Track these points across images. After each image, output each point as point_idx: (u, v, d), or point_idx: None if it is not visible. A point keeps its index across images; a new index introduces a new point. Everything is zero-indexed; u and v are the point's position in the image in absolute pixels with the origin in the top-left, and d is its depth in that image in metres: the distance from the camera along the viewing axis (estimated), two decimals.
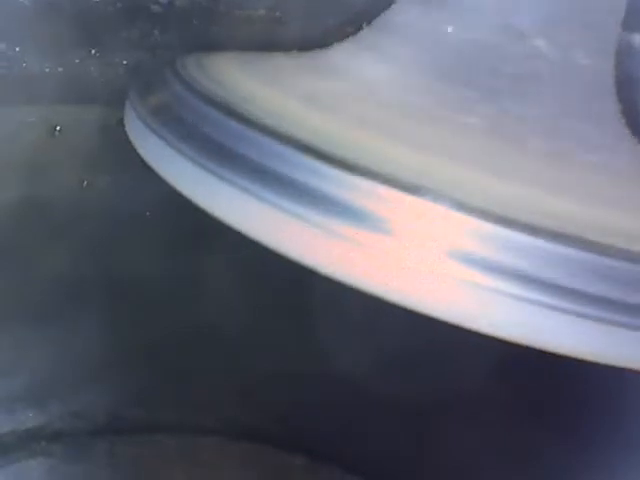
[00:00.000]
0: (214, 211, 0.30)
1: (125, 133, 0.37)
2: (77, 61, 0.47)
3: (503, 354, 0.32)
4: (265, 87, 0.34)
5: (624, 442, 0.49)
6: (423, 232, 0.27)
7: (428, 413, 0.55)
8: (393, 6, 0.37)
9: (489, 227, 0.27)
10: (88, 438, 0.60)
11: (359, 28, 0.39)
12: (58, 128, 0.49)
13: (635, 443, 0.49)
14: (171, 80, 0.35)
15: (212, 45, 0.47)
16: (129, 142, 0.36)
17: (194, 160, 0.31)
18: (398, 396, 0.54)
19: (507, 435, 0.54)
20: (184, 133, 0.32)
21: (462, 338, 0.29)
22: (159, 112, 0.34)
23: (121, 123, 0.38)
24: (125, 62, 0.48)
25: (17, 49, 0.45)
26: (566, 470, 0.52)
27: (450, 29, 0.34)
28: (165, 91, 0.35)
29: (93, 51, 0.47)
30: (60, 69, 0.47)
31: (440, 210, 0.27)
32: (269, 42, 0.47)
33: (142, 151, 0.34)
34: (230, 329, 0.58)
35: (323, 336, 0.55)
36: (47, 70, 0.47)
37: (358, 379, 0.55)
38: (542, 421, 0.53)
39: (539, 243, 0.27)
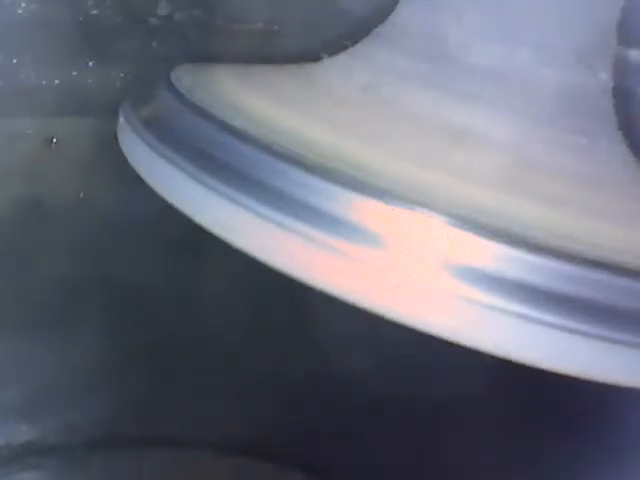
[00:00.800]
0: (204, 223, 0.30)
1: None
2: (74, 73, 0.47)
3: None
4: (259, 99, 0.34)
5: (624, 442, 0.49)
6: (416, 247, 0.27)
7: (428, 414, 0.55)
8: (389, 18, 0.37)
9: (485, 242, 0.27)
10: (83, 452, 0.59)
11: (357, 41, 0.39)
12: (54, 140, 0.49)
13: (635, 443, 0.49)
14: (164, 92, 0.35)
15: (210, 58, 0.47)
16: None
17: (186, 172, 0.31)
18: (398, 400, 0.54)
19: (507, 435, 0.54)
20: (176, 145, 0.32)
21: None
22: (152, 124, 0.34)
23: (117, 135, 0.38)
24: (123, 74, 0.48)
25: (14, 61, 0.46)
26: (566, 470, 0.52)
27: (444, 39, 0.33)
28: (158, 103, 0.35)
29: (91, 63, 0.47)
30: (57, 81, 0.47)
31: (434, 225, 0.27)
32: (267, 55, 0.47)
33: (134, 163, 0.34)
34: (229, 340, 0.58)
35: (324, 342, 0.55)
36: (44, 82, 0.47)
37: (358, 386, 0.55)
38: (542, 421, 0.53)
39: (535, 258, 0.27)
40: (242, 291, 0.57)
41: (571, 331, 0.27)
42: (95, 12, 0.45)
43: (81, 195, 0.51)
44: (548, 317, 0.27)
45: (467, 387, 0.51)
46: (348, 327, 0.53)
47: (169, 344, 0.58)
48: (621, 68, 0.33)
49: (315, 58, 0.39)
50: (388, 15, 0.38)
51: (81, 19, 0.45)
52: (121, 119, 0.36)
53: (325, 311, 0.51)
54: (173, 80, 0.36)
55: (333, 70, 0.36)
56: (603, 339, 0.27)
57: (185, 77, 0.36)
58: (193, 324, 0.58)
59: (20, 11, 0.44)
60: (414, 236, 0.27)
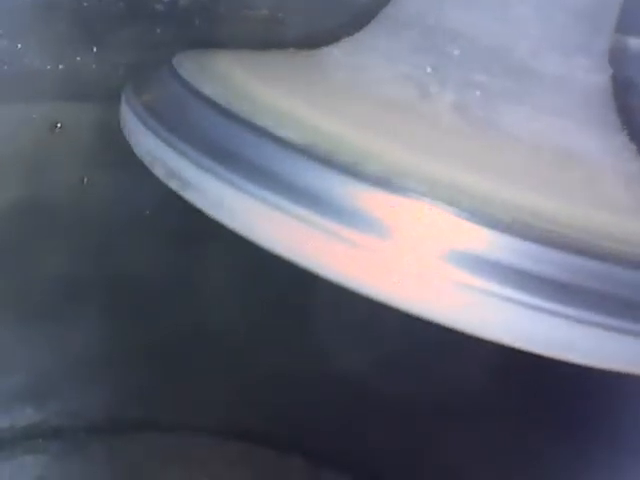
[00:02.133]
0: (207, 209, 0.30)
1: None
2: (78, 59, 0.47)
3: (504, 354, 0.31)
4: (262, 85, 0.33)
5: (624, 442, 0.49)
6: (422, 236, 0.27)
7: (428, 413, 0.55)
8: (390, 4, 0.37)
9: (489, 232, 0.27)
10: (86, 436, 0.60)
11: (359, 29, 0.39)
12: (59, 125, 0.49)
13: (635, 444, 0.49)
14: (166, 77, 0.35)
15: (214, 45, 0.47)
16: None
17: (188, 157, 0.31)
18: (398, 396, 0.54)
19: (507, 435, 0.54)
20: (178, 130, 0.32)
21: (462, 338, 0.29)
22: (154, 109, 0.34)
23: None
24: (126, 60, 0.48)
25: (19, 46, 0.46)
26: (566, 470, 0.52)
27: (447, 27, 0.33)
28: (160, 88, 0.35)
29: (95, 49, 0.47)
30: (61, 66, 0.47)
31: (440, 214, 0.27)
32: (271, 42, 0.47)
33: (136, 147, 0.34)
34: (230, 328, 0.58)
35: (323, 336, 0.55)
36: (48, 67, 0.47)
37: (358, 379, 0.55)
38: (542, 422, 0.53)
39: (538, 247, 0.27)
40: (244, 285, 0.57)
41: (574, 319, 0.27)
42: None
43: (85, 180, 0.52)
44: (550, 305, 0.27)
45: (467, 387, 0.51)
46: (349, 325, 0.53)
47: (171, 333, 0.58)
48: (620, 56, 0.33)
49: (318, 45, 0.39)
50: (389, 2, 0.38)
51: (85, 4, 0.46)
52: (123, 104, 0.36)
53: (327, 309, 0.52)
54: (175, 65, 0.36)
55: (335, 57, 0.36)
56: (605, 327, 0.27)
57: (187, 62, 0.36)
58: (194, 315, 0.58)
59: None
60: (418, 225, 0.27)
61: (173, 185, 0.32)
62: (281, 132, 0.30)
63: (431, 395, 0.53)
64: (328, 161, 0.29)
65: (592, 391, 0.48)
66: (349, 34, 0.39)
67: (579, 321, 0.27)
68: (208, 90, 0.33)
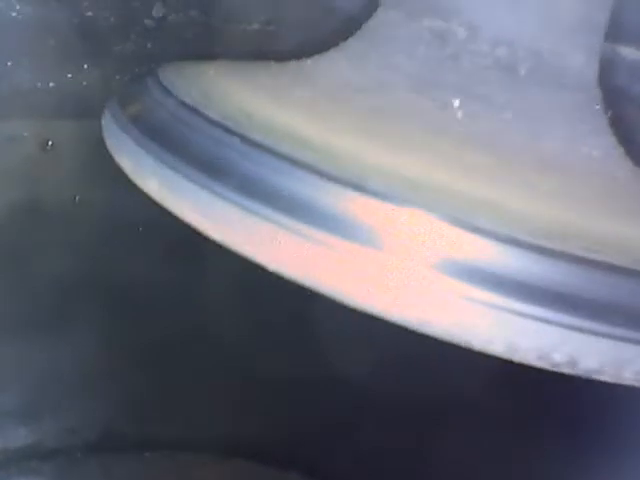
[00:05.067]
0: (193, 220, 0.29)
1: None
2: (69, 75, 0.47)
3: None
4: (249, 94, 0.33)
5: (624, 443, 0.49)
6: (413, 245, 0.27)
7: (428, 414, 0.55)
8: (375, 15, 0.36)
9: (482, 240, 0.27)
10: (82, 455, 0.59)
11: (346, 38, 0.39)
12: (50, 143, 0.49)
13: (635, 444, 0.48)
14: (151, 88, 0.34)
15: (205, 59, 0.47)
16: None
17: (172, 167, 0.30)
18: (398, 400, 0.53)
19: (507, 436, 0.54)
20: (164, 141, 0.31)
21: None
22: (139, 120, 0.33)
23: None
24: (118, 76, 0.48)
25: (9, 63, 0.45)
26: (566, 470, 0.52)
27: (432, 36, 0.33)
28: (145, 99, 0.34)
29: (85, 65, 0.47)
30: (52, 84, 0.47)
31: (432, 223, 0.27)
32: (262, 55, 0.47)
33: (120, 159, 0.33)
34: (228, 342, 0.58)
35: (322, 341, 0.54)
36: (39, 85, 0.47)
37: (359, 389, 0.55)
38: (542, 422, 0.53)
39: (533, 256, 0.27)
40: (240, 293, 0.57)
41: (575, 329, 0.27)
42: (90, 14, 0.45)
43: (76, 198, 0.51)
44: (546, 314, 0.27)
45: (467, 388, 0.51)
46: (348, 328, 0.53)
47: (167, 346, 0.58)
48: (609, 63, 0.33)
49: (307, 56, 0.39)
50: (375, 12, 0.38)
51: (76, 21, 0.45)
52: (107, 116, 0.35)
53: (325, 312, 0.51)
54: (160, 77, 0.35)
55: (322, 66, 0.36)
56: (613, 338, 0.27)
57: (171, 73, 0.36)
58: (191, 330, 0.58)
59: (14, 14, 0.44)
60: (411, 234, 0.27)
61: (156, 195, 0.31)
62: (269, 141, 0.29)
63: (431, 395, 0.53)
64: (320, 171, 0.28)
65: (592, 392, 0.48)
66: (337, 44, 0.38)
67: (582, 331, 0.27)
68: (193, 100, 0.32)
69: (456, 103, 0.32)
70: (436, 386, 0.53)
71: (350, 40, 0.37)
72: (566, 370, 0.28)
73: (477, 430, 0.55)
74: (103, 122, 0.35)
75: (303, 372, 0.57)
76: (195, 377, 0.59)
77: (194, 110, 0.31)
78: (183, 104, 0.32)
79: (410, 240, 0.27)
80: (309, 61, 0.36)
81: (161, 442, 0.61)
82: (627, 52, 0.34)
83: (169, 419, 0.61)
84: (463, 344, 0.27)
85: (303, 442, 0.60)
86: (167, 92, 0.33)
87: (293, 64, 0.37)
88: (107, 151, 0.36)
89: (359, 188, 0.28)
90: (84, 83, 0.47)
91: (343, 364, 0.54)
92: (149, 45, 0.47)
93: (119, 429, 0.61)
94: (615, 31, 0.32)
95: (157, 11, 0.47)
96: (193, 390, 0.60)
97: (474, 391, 0.52)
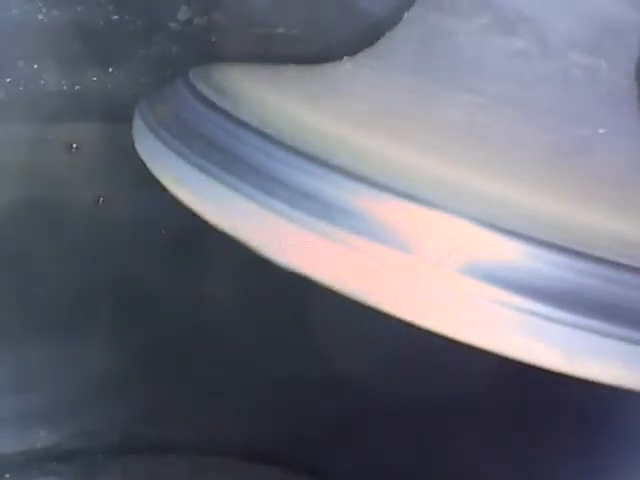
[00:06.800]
0: (220, 222, 0.29)
1: None
2: (94, 79, 0.47)
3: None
4: (276, 96, 0.33)
5: (624, 443, 0.49)
6: (442, 249, 0.27)
7: (428, 414, 0.55)
8: (407, 18, 0.36)
9: (510, 243, 0.27)
10: (101, 458, 0.59)
11: (373, 43, 0.39)
12: (75, 145, 0.49)
13: (635, 445, 0.48)
14: (182, 91, 0.34)
15: (230, 62, 0.47)
16: None
17: (203, 170, 0.30)
18: (398, 400, 0.53)
19: (508, 436, 0.54)
20: (193, 143, 0.31)
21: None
22: (169, 122, 0.33)
23: None
24: (143, 80, 0.48)
25: (35, 66, 0.46)
26: (567, 470, 0.52)
27: (459, 36, 0.33)
28: (174, 101, 0.34)
29: (111, 69, 0.47)
30: (77, 87, 0.47)
31: (463, 227, 0.27)
32: (287, 59, 0.47)
33: (148, 161, 0.33)
34: (248, 346, 0.58)
35: (324, 342, 0.54)
36: (65, 88, 0.47)
37: (360, 389, 0.55)
38: (543, 422, 0.52)
39: (561, 259, 0.27)
40: (255, 296, 0.57)
41: (601, 333, 0.26)
42: (115, 17, 0.46)
43: (100, 200, 0.51)
44: (574, 318, 0.26)
45: (467, 388, 0.51)
46: (349, 329, 0.53)
47: (187, 352, 0.58)
48: None
49: (334, 60, 0.39)
50: (402, 17, 0.38)
51: (101, 24, 0.46)
52: (137, 119, 0.35)
53: (327, 312, 0.51)
54: (191, 79, 0.35)
55: (351, 70, 0.36)
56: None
57: (202, 76, 0.36)
58: (210, 333, 0.58)
59: (41, 17, 0.44)
60: (440, 237, 0.27)
61: (184, 198, 0.31)
62: (299, 143, 0.29)
63: (432, 395, 0.53)
64: (348, 172, 0.28)
65: (593, 392, 0.47)
66: (362, 48, 0.38)
67: (606, 335, 0.27)
68: (222, 103, 0.32)
69: (493, 109, 0.32)
70: (436, 386, 0.52)
71: (376, 46, 0.37)
72: (599, 380, 0.27)
73: (477, 430, 0.54)
74: (133, 125, 0.35)
75: (305, 373, 0.57)
76: (214, 383, 0.59)
77: (226, 113, 0.31)
78: (215, 107, 0.32)
79: (440, 243, 0.27)
80: (341, 65, 0.36)
81: (179, 445, 0.61)
82: None
83: (188, 422, 0.61)
84: (494, 351, 0.27)
85: (304, 441, 0.60)
86: (198, 95, 0.33)
87: (321, 67, 0.37)
88: (132, 153, 0.36)
89: (390, 190, 0.28)
90: (109, 86, 0.47)
91: (345, 364, 0.54)
92: (174, 48, 0.47)
93: (139, 431, 0.61)
94: None
95: (182, 14, 0.47)
96: (212, 395, 0.60)
97: (474, 391, 0.51)
